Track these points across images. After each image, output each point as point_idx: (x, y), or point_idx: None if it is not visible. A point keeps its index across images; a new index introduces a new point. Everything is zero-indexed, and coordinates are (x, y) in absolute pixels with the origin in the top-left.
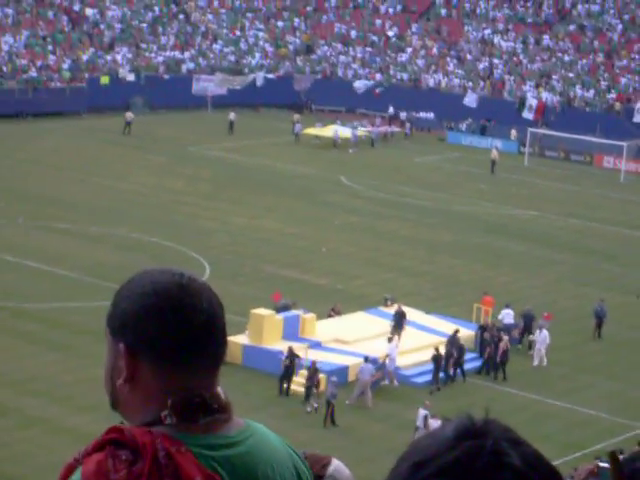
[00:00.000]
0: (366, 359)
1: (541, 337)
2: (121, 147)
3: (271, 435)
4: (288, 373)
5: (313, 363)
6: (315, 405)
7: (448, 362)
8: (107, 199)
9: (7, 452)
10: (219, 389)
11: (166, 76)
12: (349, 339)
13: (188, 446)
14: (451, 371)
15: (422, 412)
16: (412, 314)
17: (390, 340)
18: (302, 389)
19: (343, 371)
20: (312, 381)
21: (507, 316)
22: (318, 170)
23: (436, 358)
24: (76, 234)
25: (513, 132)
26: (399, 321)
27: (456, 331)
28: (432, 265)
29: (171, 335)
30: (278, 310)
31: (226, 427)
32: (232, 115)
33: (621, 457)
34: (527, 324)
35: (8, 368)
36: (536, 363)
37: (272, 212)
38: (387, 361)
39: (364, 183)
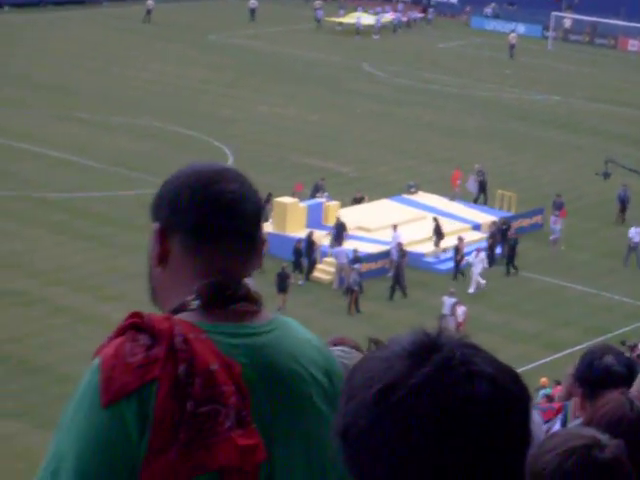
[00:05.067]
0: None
1: (477, 259)
2: (141, 35)
3: (301, 330)
4: (298, 256)
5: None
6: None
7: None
8: (128, 88)
9: (36, 340)
10: (249, 280)
11: None
12: (372, 227)
13: (209, 333)
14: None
15: (449, 300)
16: (435, 201)
17: (395, 228)
18: (326, 276)
19: (369, 258)
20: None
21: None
22: (340, 57)
23: (457, 247)
24: (97, 124)
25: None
26: (339, 233)
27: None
28: (455, 152)
29: (200, 211)
30: (310, 193)
31: (252, 318)
32: (253, 2)
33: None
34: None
35: (33, 258)
36: (471, 290)
37: (294, 100)
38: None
39: (387, 70)
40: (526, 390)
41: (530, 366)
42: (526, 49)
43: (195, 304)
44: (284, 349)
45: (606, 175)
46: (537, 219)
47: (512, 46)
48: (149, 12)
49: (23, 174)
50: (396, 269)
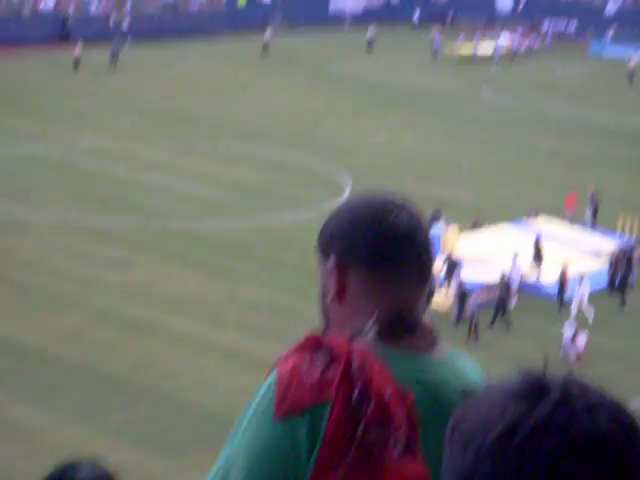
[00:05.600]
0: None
1: (582, 287)
2: (259, 67)
3: (473, 370)
4: None
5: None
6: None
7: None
8: (247, 119)
9: (157, 370)
10: (425, 313)
11: None
12: (491, 254)
13: (385, 360)
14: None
15: (569, 328)
16: (555, 227)
17: (516, 256)
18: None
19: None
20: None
21: None
22: (457, 86)
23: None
24: (218, 154)
25: None
26: (450, 270)
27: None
28: (575, 179)
29: (373, 242)
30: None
31: (428, 352)
32: (370, 32)
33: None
34: None
35: (155, 287)
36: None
37: (411, 129)
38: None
39: (504, 97)
40: None
41: None
42: None
43: (373, 331)
44: (457, 387)
45: None
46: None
47: (632, 72)
48: (266, 45)
49: (145, 205)
50: (501, 298)
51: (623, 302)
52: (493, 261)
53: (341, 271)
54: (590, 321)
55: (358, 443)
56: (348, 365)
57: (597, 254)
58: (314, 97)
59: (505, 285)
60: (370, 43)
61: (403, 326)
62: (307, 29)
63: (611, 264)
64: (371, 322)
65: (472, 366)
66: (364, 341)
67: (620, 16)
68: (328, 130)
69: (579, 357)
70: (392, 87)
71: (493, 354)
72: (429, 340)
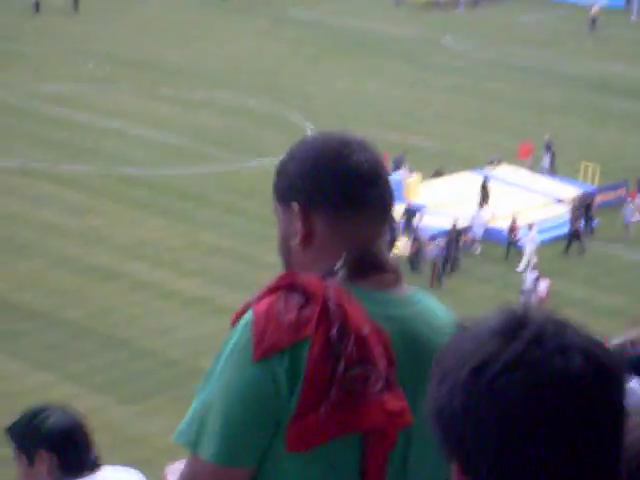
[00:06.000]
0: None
1: (529, 237)
2: (222, 10)
3: (438, 306)
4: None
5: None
6: None
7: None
8: (210, 64)
9: (117, 315)
10: (389, 250)
11: None
12: (453, 201)
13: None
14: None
15: (531, 274)
16: (518, 174)
17: (481, 205)
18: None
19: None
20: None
21: None
22: (420, 31)
23: (510, 227)
24: (180, 99)
25: None
26: (410, 217)
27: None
28: (539, 126)
29: (339, 183)
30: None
31: (395, 288)
32: None
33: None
34: None
35: (115, 233)
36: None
37: (374, 75)
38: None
39: (467, 44)
40: (620, 364)
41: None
42: (609, 21)
43: (342, 271)
44: (427, 323)
45: None
46: (621, 192)
47: (594, 18)
48: None
49: (106, 150)
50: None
51: (582, 249)
52: (455, 208)
53: (306, 215)
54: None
55: (339, 380)
56: (325, 303)
57: (558, 201)
58: (277, 42)
59: (455, 232)
60: None
61: (370, 264)
62: None
63: (572, 211)
64: (340, 262)
65: (438, 304)
66: (335, 280)
67: None
68: (291, 76)
69: (541, 303)
70: (356, 32)
71: (455, 300)
72: (395, 277)
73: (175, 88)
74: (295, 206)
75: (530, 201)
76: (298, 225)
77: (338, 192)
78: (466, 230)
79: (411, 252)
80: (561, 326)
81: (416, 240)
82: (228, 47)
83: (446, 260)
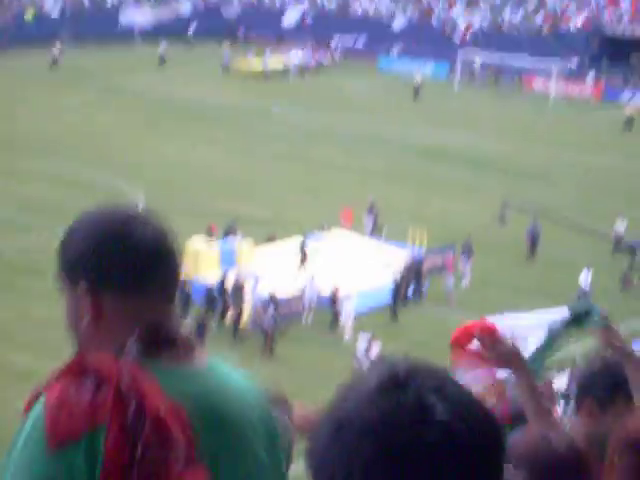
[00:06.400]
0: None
1: (346, 307)
2: (49, 81)
3: (236, 373)
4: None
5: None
6: None
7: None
8: (36, 134)
9: None
10: (181, 323)
11: (92, 8)
12: (286, 267)
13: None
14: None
15: (363, 339)
16: (347, 239)
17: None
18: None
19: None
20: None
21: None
22: (250, 100)
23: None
24: (8, 171)
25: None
26: (302, 254)
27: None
28: (366, 192)
29: (123, 263)
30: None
31: (190, 361)
32: (162, 46)
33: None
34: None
35: None
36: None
37: (204, 144)
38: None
39: (295, 112)
40: (496, 443)
41: None
42: (432, 89)
43: (134, 349)
44: (224, 394)
45: (502, 220)
46: (448, 256)
47: (417, 87)
48: (55, 60)
49: None
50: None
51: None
52: (287, 275)
53: (94, 295)
54: (347, 338)
55: (138, 464)
56: (118, 385)
57: (388, 265)
58: (105, 112)
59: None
60: (162, 57)
61: (163, 340)
62: (97, 43)
63: (401, 275)
64: (132, 340)
65: (237, 372)
66: (128, 359)
67: (406, 32)
68: (120, 145)
69: None
70: (184, 101)
71: (289, 366)
72: (188, 351)
73: (2, 159)
74: (82, 285)
75: (359, 265)
76: (86, 304)
77: (122, 271)
78: (297, 298)
79: (247, 319)
80: (437, 395)
81: (252, 307)
82: (56, 117)
83: (276, 327)
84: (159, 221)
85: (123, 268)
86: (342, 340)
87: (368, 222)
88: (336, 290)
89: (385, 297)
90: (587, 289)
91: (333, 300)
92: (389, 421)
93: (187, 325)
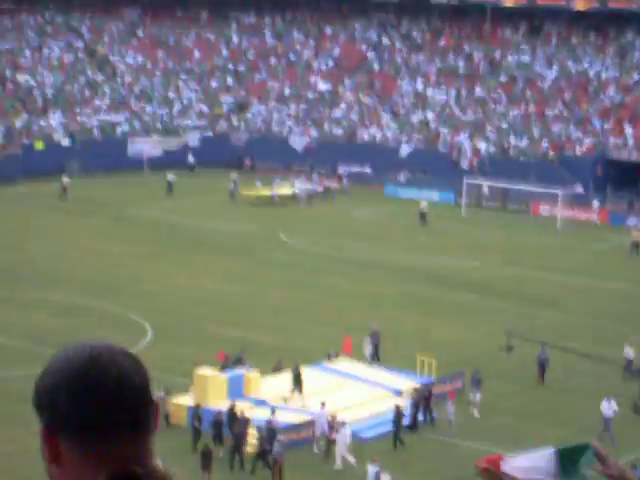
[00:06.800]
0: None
1: (341, 435)
2: (58, 212)
3: None
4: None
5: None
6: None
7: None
8: (46, 264)
9: None
10: (155, 461)
11: (101, 139)
12: (295, 396)
13: None
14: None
15: (372, 468)
16: (356, 368)
17: (322, 405)
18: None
19: (291, 429)
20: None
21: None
22: (257, 228)
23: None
24: (15, 301)
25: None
26: (297, 382)
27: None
28: (375, 318)
29: (78, 406)
30: (231, 364)
31: None
32: (170, 176)
33: None
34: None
35: None
36: (338, 465)
37: (213, 272)
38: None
39: (303, 239)
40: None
41: None
42: (440, 215)
43: None
44: None
45: (509, 349)
46: (457, 383)
47: (423, 214)
48: (65, 189)
49: None
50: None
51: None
52: (295, 403)
53: (51, 436)
54: (353, 463)
55: None
56: None
57: (397, 393)
58: (113, 241)
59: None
60: (170, 186)
61: None
62: (106, 173)
63: (413, 402)
64: None
65: None
66: None
67: (412, 159)
68: (129, 274)
69: None
70: (192, 230)
71: None
72: None
73: (9, 289)
74: (40, 427)
75: (368, 393)
76: (46, 446)
77: (77, 416)
78: (306, 424)
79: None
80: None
81: (260, 435)
82: (64, 246)
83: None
84: (127, 360)
85: (77, 411)
86: (353, 469)
87: (368, 348)
88: (333, 418)
89: (389, 424)
90: (610, 417)
91: (330, 427)
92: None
93: (162, 461)
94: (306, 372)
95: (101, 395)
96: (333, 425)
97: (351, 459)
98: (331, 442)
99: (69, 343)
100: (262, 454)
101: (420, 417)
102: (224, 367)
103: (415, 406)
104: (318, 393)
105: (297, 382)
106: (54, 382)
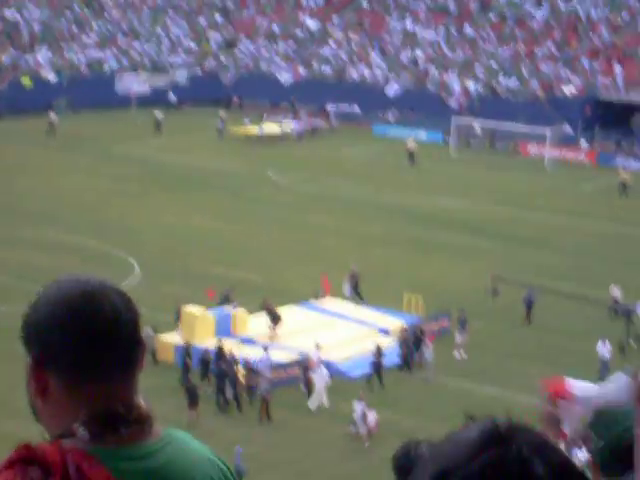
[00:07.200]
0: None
1: (319, 374)
2: (45, 149)
3: (193, 444)
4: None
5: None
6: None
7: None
8: (34, 201)
9: None
10: (138, 399)
11: (88, 76)
12: (281, 334)
13: (102, 459)
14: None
15: (359, 405)
16: (343, 307)
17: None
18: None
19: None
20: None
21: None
22: (245, 166)
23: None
24: (2, 237)
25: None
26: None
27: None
28: (363, 257)
29: (72, 343)
30: (219, 302)
31: (144, 438)
32: (158, 114)
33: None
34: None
35: None
36: (312, 406)
37: (200, 210)
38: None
39: (291, 177)
40: None
41: None
42: (429, 155)
43: (82, 430)
44: (179, 467)
45: (495, 293)
46: (444, 323)
47: (411, 153)
48: (52, 126)
49: None
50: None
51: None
52: (282, 342)
53: (40, 370)
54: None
55: None
56: (65, 473)
57: (383, 331)
58: (101, 179)
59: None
60: (158, 124)
61: (114, 420)
62: (94, 110)
63: (401, 342)
64: (80, 421)
65: (192, 442)
66: (76, 442)
67: (401, 98)
68: (117, 211)
69: (370, 433)
70: (181, 168)
71: (287, 433)
72: (145, 427)
73: None
74: (29, 361)
75: (355, 332)
76: (32, 379)
77: (68, 352)
78: (294, 363)
79: (247, 384)
80: (536, 451)
81: (255, 373)
82: (52, 183)
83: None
84: (120, 297)
85: (69, 346)
86: (339, 406)
87: (347, 288)
88: (309, 358)
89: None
90: (607, 359)
91: (305, 367)
92: (490, 473)
93: (146, 399)
94: (293, 311)
95: (95, 333)
96: (310, 364)
97: (325, 400)
98: (308, 381)
99: (58, 278)
100: (249, 390)
101: (413, 356)
102: (222, 303)
103: (405, 346)
104: (305, 331)
105: (272, 317)
106: (46, 317)
